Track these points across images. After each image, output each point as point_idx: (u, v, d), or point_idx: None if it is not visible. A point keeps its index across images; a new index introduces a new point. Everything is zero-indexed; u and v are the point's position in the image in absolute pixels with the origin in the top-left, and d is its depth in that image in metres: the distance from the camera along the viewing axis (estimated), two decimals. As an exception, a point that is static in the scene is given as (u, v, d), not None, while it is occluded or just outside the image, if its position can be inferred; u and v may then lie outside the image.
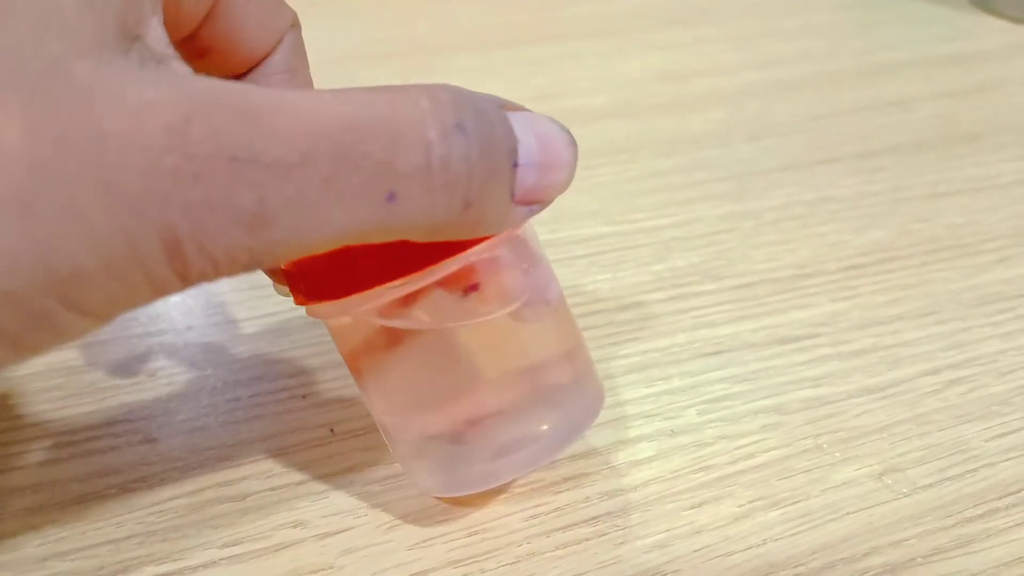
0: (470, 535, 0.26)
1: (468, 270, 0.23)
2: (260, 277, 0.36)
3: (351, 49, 0.60)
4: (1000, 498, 0.28)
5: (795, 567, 0.26)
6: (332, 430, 0.30)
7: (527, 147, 0.19)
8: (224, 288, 0.36)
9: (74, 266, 0.16)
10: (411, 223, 0.18)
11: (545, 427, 0.26)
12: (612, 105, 0.53)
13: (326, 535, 0.26)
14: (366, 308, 0.23)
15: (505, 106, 0.20)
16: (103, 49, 0.16)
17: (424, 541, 0.26)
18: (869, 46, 0.64)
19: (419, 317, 0.24)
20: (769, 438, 0.30)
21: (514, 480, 0.28)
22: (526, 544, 0.26)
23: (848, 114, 0.53)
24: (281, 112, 0.17)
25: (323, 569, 0.25)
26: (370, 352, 0.25)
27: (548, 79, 0.56)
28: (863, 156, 0.48)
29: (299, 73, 0.25)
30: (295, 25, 0.25)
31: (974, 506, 0.28)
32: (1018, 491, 0.28)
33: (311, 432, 0.30)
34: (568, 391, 0.27)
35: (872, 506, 0.28)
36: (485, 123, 0.18)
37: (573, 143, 0.21)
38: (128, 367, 0.32)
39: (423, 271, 0.22)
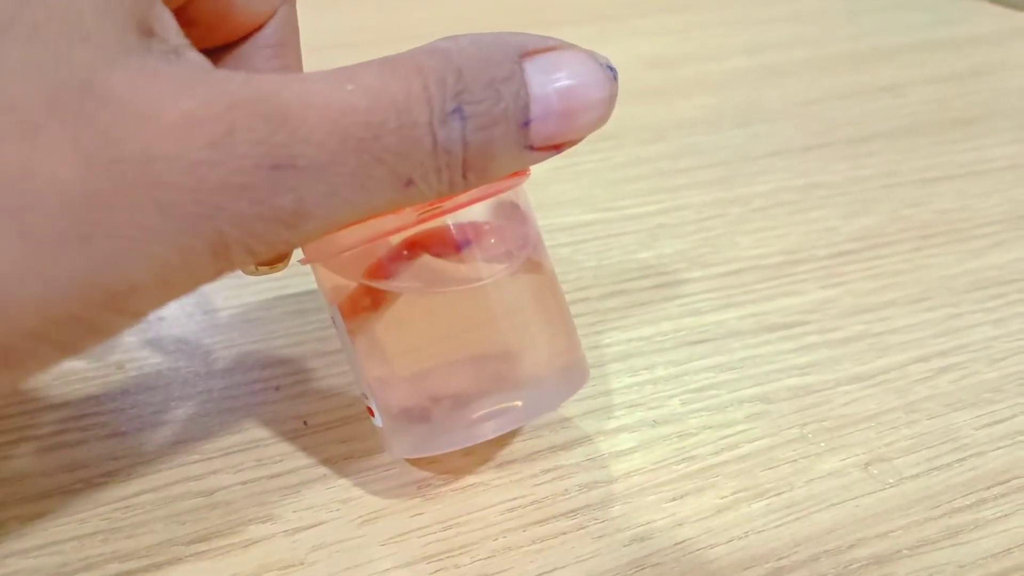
0: (445, 529, 0.26)
1: (459, 225, 0.24)
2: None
3: (341, 36, 0.59)
4: (989, 487, 0.27)
5: (778, 559, 0.25)
6: (306, 422, 0.29)
7: (543, 100, 0.19)
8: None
9: (132, 283, 0.17)
10: (421, 198, 0.19)
11: (520, 403, 0.25)
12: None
13: (297, 530, 0.26)
14: (353, 261, 0.23)
15: (527, 52, 0.20)
16: (129, 52, 0.17)
17: (398, 536, 0.26)
18: (861, 31, 0.63)
19: (405, 280, 0.24)
20: (754, 428, 0.29)
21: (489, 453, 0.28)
22: (502, 538, 0.25)
23: (839, 99, 0.52)
24: (309, 112, 0.17)
25: (293, 565, 0.25)
26: (355, 311, 0.25)
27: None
28: (854, 141, 0.48)
29: (289, 49, 0.25)
30: (288, 0, 0.25)
31: (963, 496, 0.27)
32: (1007, 480, 0.28)
33: (284, 424, 0.29)
34: (550, 367, 0.26)
35: (858, 497, 0.27)
36: (488, 93, 0.19)
37: (609, 78, 0.20)
38: (98, 358, 0.31)
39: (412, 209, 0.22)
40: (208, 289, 0.35)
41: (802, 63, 0.57)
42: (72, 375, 0.30)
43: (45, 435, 0.28)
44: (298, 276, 0.35)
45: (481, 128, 0.19)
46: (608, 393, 0.30)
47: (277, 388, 0.30)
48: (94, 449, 0.28)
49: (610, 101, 0.20)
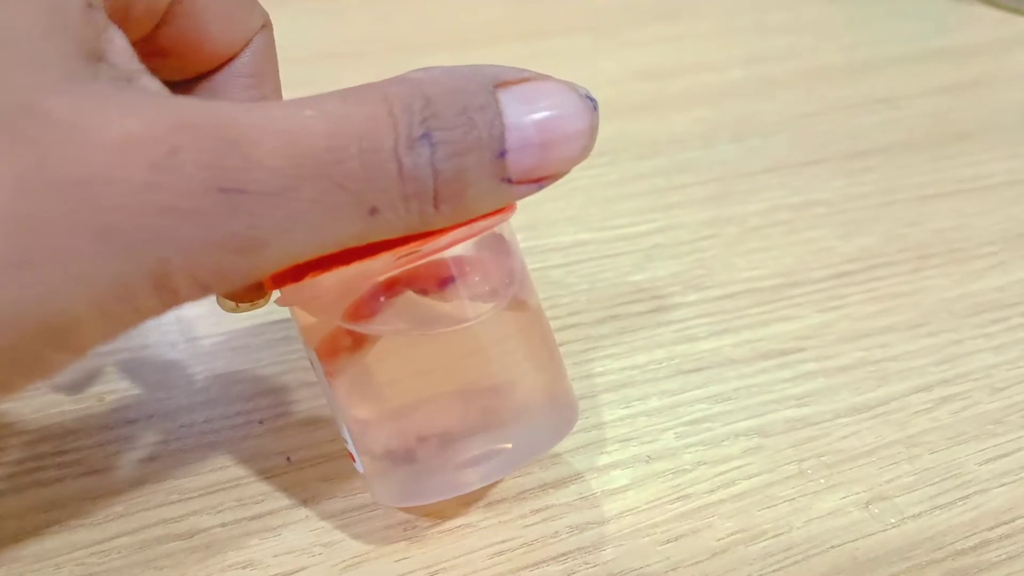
0: (431, 575, 0.25)
1: (442, 262, 0.22)
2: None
3: (327, 47, 0.58)
4: (992, 528, 0.27)
5: (776, 607, 0.24)
6: (289, 458, 0.28)
7: (519, 131, 0.19)
8: (181, 304, 0.34)
9: (66, 312, 0.16)
10: (390, 229, 0.18)
11: (509, 445, 0.24)
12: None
13: (278, 576, 0.25)
14: (332, 304, 0.22)
15: (502, 83, 0.19)
16: (73, 78, 0.16)
17: (383, 581, 0.25)
18: (858, 40, 0.63)
19: (387, 322, 0.23)
20: (751, 463, 0.28)
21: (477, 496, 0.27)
22: (491, 584, 0.25)
23: (836, 112, 0.52)
24: (265, 134, 0.16)
25: (274, 613, 0.24)
26: (334, 353, 0.24)
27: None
28: (851, 156, 0.47)
29: (266, 79, 0.24)
30: (266, 26, 0.24)
31: (965, 537, 0.26)
32: (1011, 520, 0.27)
33: (267, 460, 0.28)
34: (539, 406, 0.25)
35: (858, 538, 0.26)
36: (459, 120, 0.18)
37: (589, 108, 0.19)
38: (77, 389, 0.30)
39: (392, 251, 0.21)
40: (191, 315, 0.34)
41: (798, 74, 0.56)
42: (50, 407, 0.29)
43: (19, 472, 0.27)
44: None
45: (453, 155, 0.18)
46: (600, 426, 0.30)
47: (260, 422, 0.29)
48: (70, 488, 0.27)
49: (591, 132, 0.20)
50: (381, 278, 0.22)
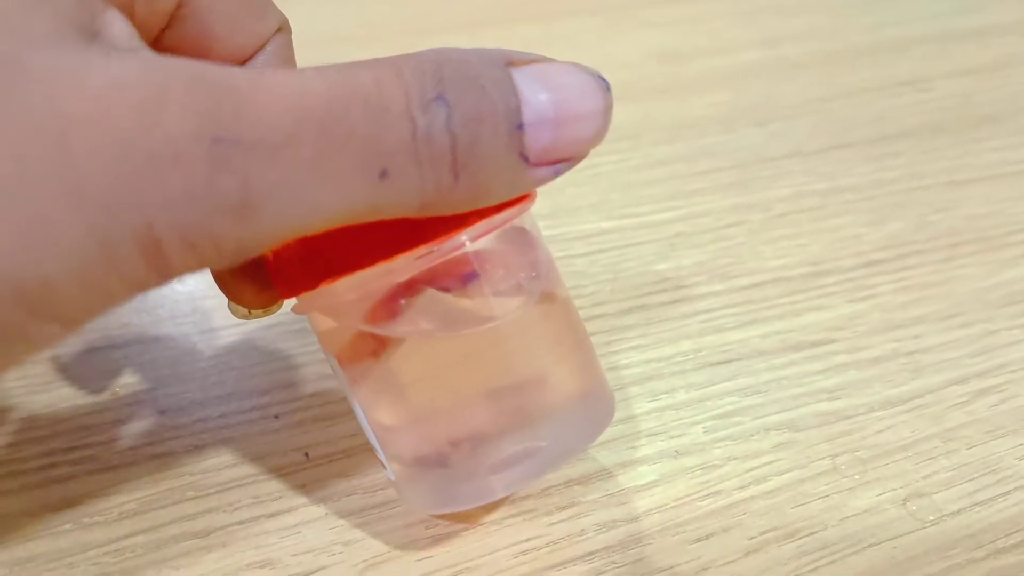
0: (455, 575, 0.24)
1: (464, 258, 0.21)
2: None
3: (338, 30, 0.57)
4: (1036, 526, 0.26)
5: (813, 609, 0.23)
6: (307, 454, 0.27)
7: (535, 105, 0.18)
8: (196, 294, 0.34)
9: (41, 277, 0.14)
10: (403, 200, 0.17)
11: (544, 443, 0.23)
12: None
13: (297, 576, 0.24)
14: (351, 307, 0.21)
15: (513, 62, 0.18)
16: (61, 42, 0.15)
17: (405, 581, 0.24)
18: (879, 20, 0.61)
19: (410, 323, 0.22)
20: (782, 459, 0.28)
21: (508, 496, 0.26)
22: (517, 585, 0.24)
23: (859, 95, 0.50)
24: (262, 89, 0.15)
25: (294, 615, 0.23)
26: (356, 359, 0.23)
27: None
28: (876, 141, 0.46)
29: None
30: (282, 30, 0.22)
31: (1007, 535, 0.25)
32: (1056, 518, 0.26)
33: (284, 457, 0.27)
34: (573, 403, 0.24)
35: (895, 536, 0.25)
36: (472, 88, 0.17)
37: (602, 88, 0.19)
38: (89, 384, 0.29)
39: (411, 252, 0.20)
40: (206, 307, 0.33)
41: (819, 56, 0.55)
42: (62, 402, 0.29)
43: (31, 470, 0.27)
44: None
45: (470, 120, 0.17)
46: (627, 420, 0.29)
47: (277, 416, 0.29)
48: (84, 485, 0.26)
49: (605, 113, 0.19)
50: (400, 279, 0.21)
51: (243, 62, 0.22)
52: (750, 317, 0.33)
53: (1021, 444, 0.28)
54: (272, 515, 0.26)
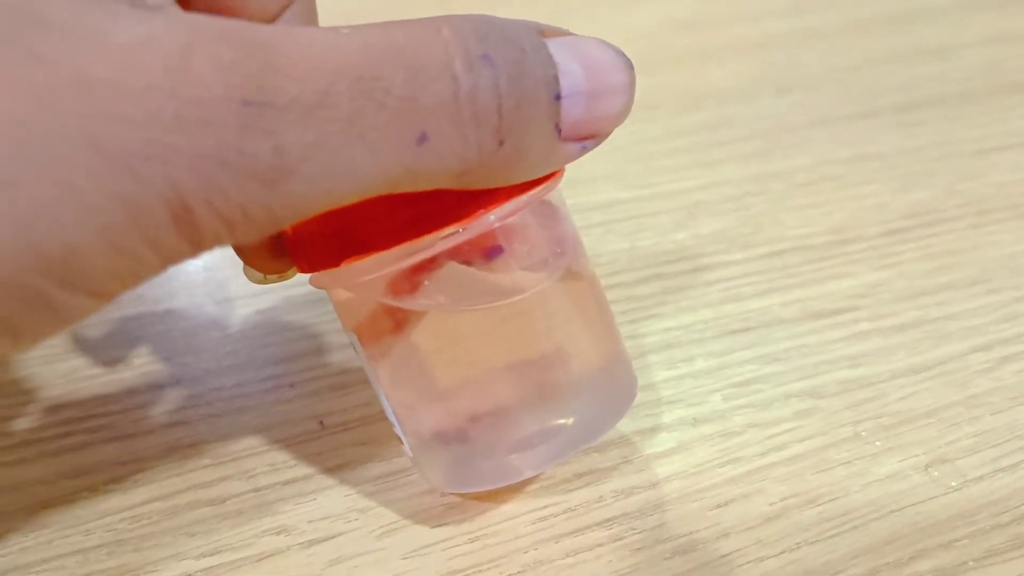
0: (471, 541, 0.24)
1: (489, 233, 0.21)
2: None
3: (351, 6, 0.57)
4: (1064, 492, 0.25)
5: (835, 574, 0.23)
6: (322, 423, 0.27)
7: (571, 75, 0.17)
8: (210, 263, 0.33)
9: (66, 243, 0.13)
10: (443, 166, 0.16)
11: (568, 421, 0.23)
12: (630, 59, 0.49)
13: (312, 543, 0.24)
14: (372, 281, 0.21)
15: (543, 31, 0.18)
16: None
17: (421, 548, 0.24)
18: (905, -11, 0.60)
19: (431, 297, 0.21)
20: (803, 425, 0.27)
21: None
22: (533, 551, 0.24)
23: (884, 64, 0.49)
24: (294, 46, 0.15)
25: (309, 581, 0.23)
26: (376, 334, 0.23)
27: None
28: (902, 109, 0.45)
29: None
30: None
31: (1034, 501, 0.25)
32: (1084, 484, 0.25)
33: (299, 425, 0.27)
34: (596, 381, 0.24)
35: (918, 502, 0.25)
36: (514, 51, 0.17)
37: (628, 65, 0.19)
38: (103, 355, 0.29)
39: (437, 232, 0.19)
40: (220, 277, 0.33)
41: (842, 24, 0.54)
42: (76, 372, 0.29)
43: (47, 438, 0.27)
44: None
45: (515, 81, 0.16)
46: (645, 388, 0.28)
47: (292, 385, 0.28)
48: (99, 454, 0.26)
49: (631, 87, 0.19)
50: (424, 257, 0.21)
51: (273, 18, 0.21)
52: (770, 285, 0.33)
53: (1049, 410, 0.28)
54: (287, 482, 0.25)
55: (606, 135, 0.19)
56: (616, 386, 0.24)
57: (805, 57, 0.50)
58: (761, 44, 0.51)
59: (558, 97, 0.17)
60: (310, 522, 0.24)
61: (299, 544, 0.24)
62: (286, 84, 0.14)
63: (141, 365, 0.29)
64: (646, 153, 0.41)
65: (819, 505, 0.25)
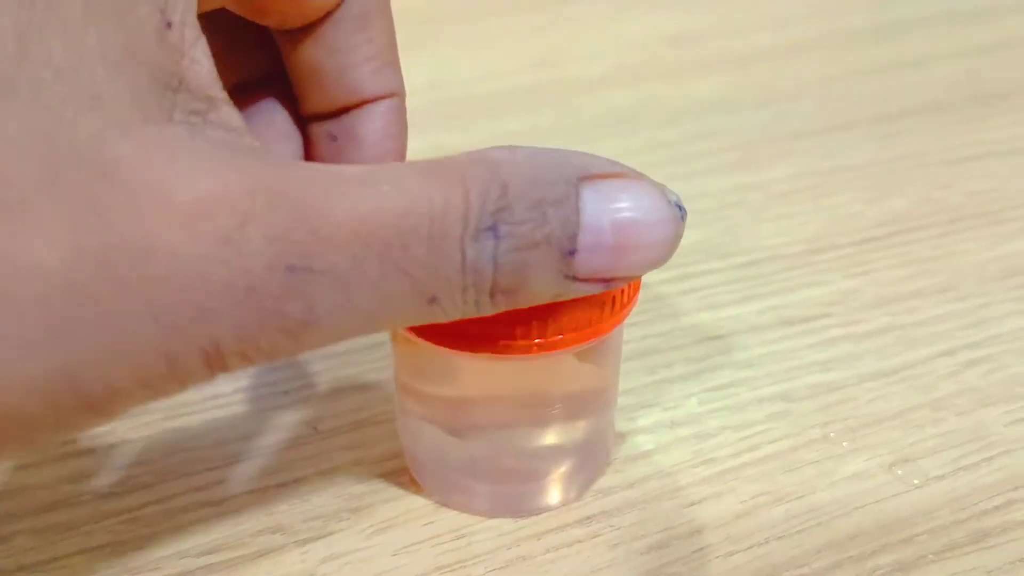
0: (457, 538, 0.25)
1: None
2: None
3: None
4: (1017, 488, 0.26)
5: (799, 567, 0.24)
6: (316, 428, 0.28)
7: (595, 232, 0.18)
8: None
9: (109, 387, 0.15)
10: (445, 317, 0.18)
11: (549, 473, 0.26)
12: (615, 72, 0.51)
13: (307, 541, 0.25)
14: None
15: (589, 176, 0.18)
16: (146, 119, 0.15)
17: (409, 546, 0.25)
18: (884, 2, 0.61)
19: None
20: (775, 428, 0.28)
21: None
22: (516, 547, 0.25)
23: (864, 76, 0.51)
24: (336, 209, 0.16)
25: (302, 577, 0.24)
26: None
27: (546, 47, 0.54)
28: (879, 120, 0.46)
29: (373, 20, 0.22)
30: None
31: (990, 498, 0.26)
32: (1040, 481, 0.27)
33: (293, 430, 0.28)
34: (586, 446, 0.26)
35: (882, 500, 0.26)
36: (532, 218, 0.17)
37: (675, 218, 0.19)
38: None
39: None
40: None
41: (824, 38, 0.55)
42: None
43: (49, 445, 0.28)
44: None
45: (516, 250, 0.17)
46: (625, 393, 0.29)
47: (286, 392, 0.30)
48: (100, 459, 0.27)
49: (673, 242, 0.19)
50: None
51: (337, 6, 0.21)
52: (746, 293, 0.34)
53: (1009, 411, 0.29)
54: (282, 484, 0.27)
55: (636, 277, 0.19)
56: (598, 456, 0.27)
57: (787, 70, 0.51)
58: (745, 57, 0.53)
59: (572, 253, 0.18)
60: (304, 522, 0.26)
61: (294, 542, 0.25)
62: (327, 251, 0.15)
63: (142, 373, 0.30)
64: (630, 164, 0.42)
65: (787, 503, 0.26)
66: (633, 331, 0.32)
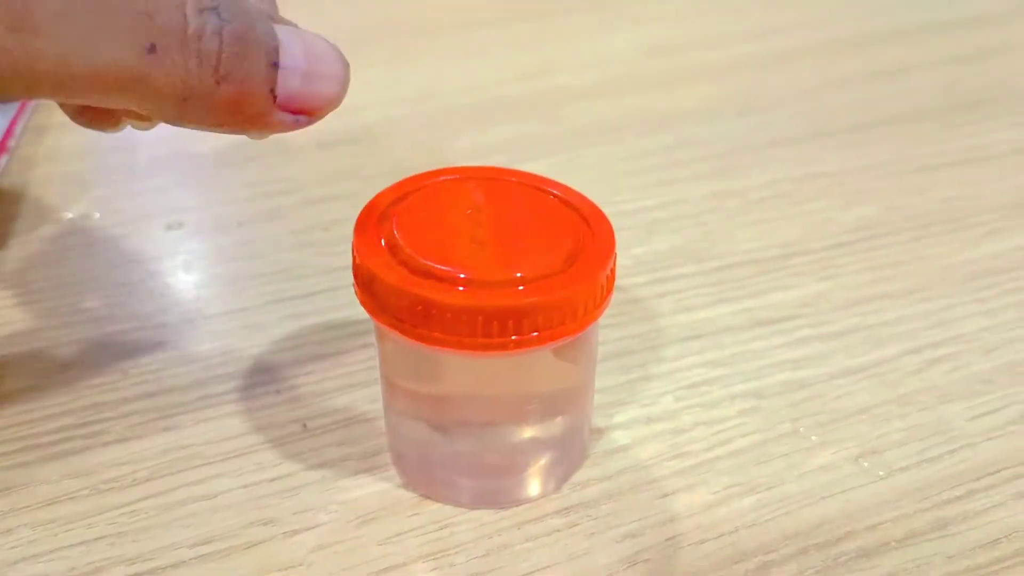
0: (440, 528, 0.26)
1: None
2: (237, 269, 0.36)
3: (331, 30, 0.59)
4: (978, 479, 0.28)
5: (767, 553, 0.25)
6: (305, 425, 0.30)
7: (291, 52, 0.21)
8: (200, 281, 0.36)
9: None
10: (167, 82, 0.20)
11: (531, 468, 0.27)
12: (600, 83, 0.52)
13: (296, 532, 0.26)
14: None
15: (274, 18, 0.22)
16: None
17: (395, 536, 0.26)
18: (864, 12, 0.63)
19: None
20: (747, 423, 0.30)
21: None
22: (496, 537, 0.26)
23: (843, 85, 0.52)
24: None
25: (293, 566, 0.25)
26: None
27: (534, 58, 0.55)
28: (857, 129, 0.47)
29: None
30: None
31: (952, 487, 0.27)
32: (997, 471, 0.28)
33: (284, 428, 0.29)
34: (563, 442, 0.27)
35: (848, 490, 0.27)
36: (243, 16, 0.20)
37: (344, 62, 0.22)
38: (100, 365, 0.32)
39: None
40: (207, 295, 0.35)
41: (805, 48, 0.57)
42: (74, 384, 0.31)
43: (48, 443, 0.29)
44: (294, 280, 0.36)
45: (237, 37, 0.20)
46: (602, 391, 0.31)
47: (277, 392, 0.31)
48: (98, 456, 0.28)
49: (345, 80, 0.22)
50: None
51: None
52: (720, 296, 0.35)
53: (970, 407, 0.30)
54: (273, 479, 0.28)
55: (319, 115, 0.22)
56: (575, 452, 0.28)
57: (767, 80, 0.53)
58: (726, 68, 0.54)
59: (276, 65, 0.21)
60: (294, 514, 0.27)
61: (284, 533, 0.26)
62: None
63: (136, 375, 0.31)
64: (612, 172, 0.44)
65: (757, 493, 0.27)
66: (609, 332, 0.33)
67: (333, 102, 0.22)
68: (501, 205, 0.26)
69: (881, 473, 0.28)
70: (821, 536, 0.26)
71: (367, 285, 0.23)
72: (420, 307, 0.22)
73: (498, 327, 0.22)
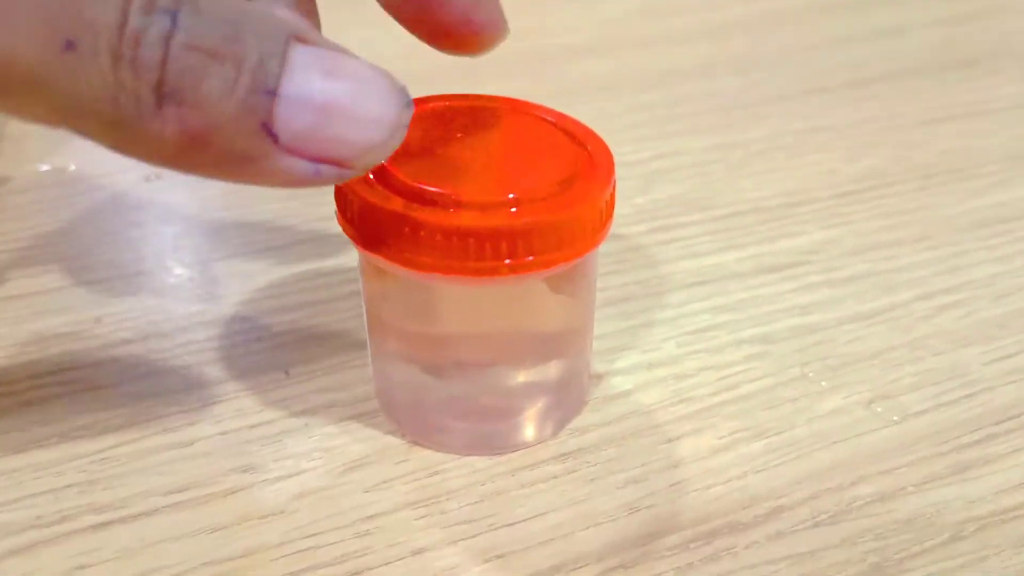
0: (431, 475, 0.25)
1: None
2: (219, 218, 0.34)
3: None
4: (999, 423, 0.26)
5: (778, 498, 0.24)
6: (287, 372, 0.28)
7: (301, 81, 0.16)
8: (180, 231, 0.34)
9: None
10: (89, 96, 0.15)
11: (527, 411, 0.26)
12: (593, 43, 0.50)
13: (278, 479, 0.25)
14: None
15: (304, 39, 0.16)
16: None
17: (381, 483, 0.25)
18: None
19: None
20: (754, 368, 0.28)
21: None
22: (490, 483, 0.25)
23: (840, 44, 0.51)
24: None
25: (274, 514, 0.24)
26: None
27: (528, 19, 0.53)
28: (855, 85, 0.46)
29: None
30: None
31: (971, 432, 0.26)
32: (1018, 415, 0.27)
33: (265, 375, 0.28)
34: (563, 382, 0.26)
35: (861, 434, 0.26)
36: (218, 25, 0.15)
37: (399, 101, 0.17)
38: (75, 314, 0.30)
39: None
40: (188, 244, 0.34)
41: (802, 8, 0.55)
42: (48, 332, 0.29)
43: (19, 391, 0.27)
44: (278, 231, 0.34)
45: (194, 49, 0.15)
46: (602, 337, 0.29)
47: (258, 339, 0.29)
48: (71, 404, 0.27)
49: (396, 128, 0.17)
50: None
51: None
52: (726, 243, 0.34)
53: (986, 351, 0.29)
54: (254, 426, 0.26)
55: (352, 167, 0.17)
56: (574, 395, 0.26)
57: (765, 39, 0.51)
58: (723, 28, 0.53)
59: (271, 93, 0.15)
60: (275, 461, 0.25)
61: (264, 480, 0.25)
62: None
63: (112, 323, 0.30)
64: (609, 127, 0.41)
65: (766, 438, 0.26)
66: (610, 279, 0.32)
67: (373, 151, 0.17)
68: (494, 129, 0.24)
69: (895, 418, 0.26)
70: (834, 480, 0.25)
71: (350, 210, 0.22)
72: (407, 229, 0.21)
73: (491, 250, 0.21)
